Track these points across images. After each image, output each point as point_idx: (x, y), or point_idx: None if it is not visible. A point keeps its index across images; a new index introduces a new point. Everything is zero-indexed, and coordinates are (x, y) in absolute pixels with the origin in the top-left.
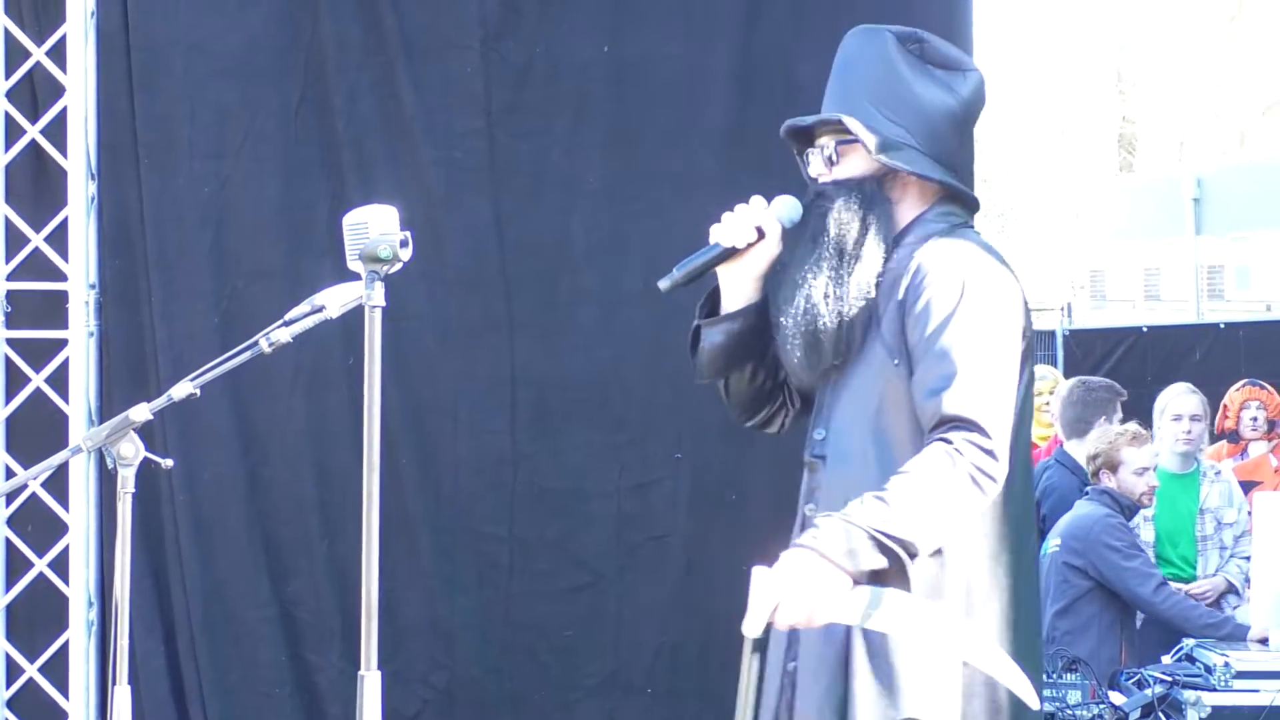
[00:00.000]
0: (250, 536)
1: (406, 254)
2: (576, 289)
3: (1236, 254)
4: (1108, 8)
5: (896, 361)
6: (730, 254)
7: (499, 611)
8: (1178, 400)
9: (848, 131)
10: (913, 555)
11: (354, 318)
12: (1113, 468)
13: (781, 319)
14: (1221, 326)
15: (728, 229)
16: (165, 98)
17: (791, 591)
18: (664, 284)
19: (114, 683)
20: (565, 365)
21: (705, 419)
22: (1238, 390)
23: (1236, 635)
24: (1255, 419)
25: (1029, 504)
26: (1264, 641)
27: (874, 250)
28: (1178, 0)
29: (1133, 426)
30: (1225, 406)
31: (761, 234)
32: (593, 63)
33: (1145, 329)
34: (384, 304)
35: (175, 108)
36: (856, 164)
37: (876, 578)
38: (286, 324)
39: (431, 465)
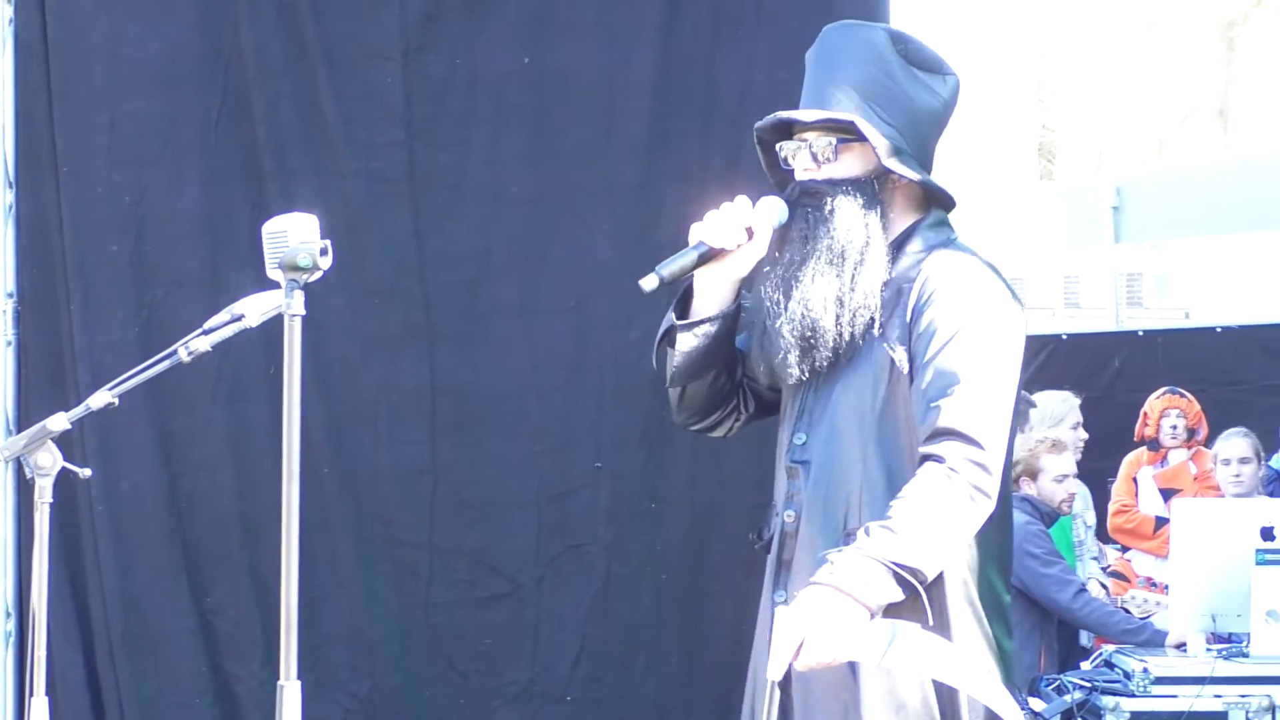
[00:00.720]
0: (170, 546)
1: (326, 262)
2: (496, 299)
3: (1156, 262)
4: (1027, 16)
5: (905, 370)
6: (715, 255)
7: (419, 620)
8: (1075, 412)
9: (846, 130)
10: (922, 583)
11: (275, 327)
12: (1033, 475)
13: (769, 321)
14: (1140, 334)
15: (715, 229)
16: (84, 106)
17: (816, 631)
18: (647, 284)
19: (32, 694)
20: (485, 375)
21: (624, 429)
22: (1158, 398)
23: (1155, 641)
24: (1175, 427)
25: (1009, 517)
26: (1182, 647)
27: (878, 255)
28: (1097, 9)
29: (1052, 434)
30: (1145, 414)
31: (751, 235)
32: (513, 73)
33: (1065, 336)
34: (304, 313)
35: (94, 116)
36: (852, 164)
37: (891, 610)
38: (205, 333)
39: (352, 475)
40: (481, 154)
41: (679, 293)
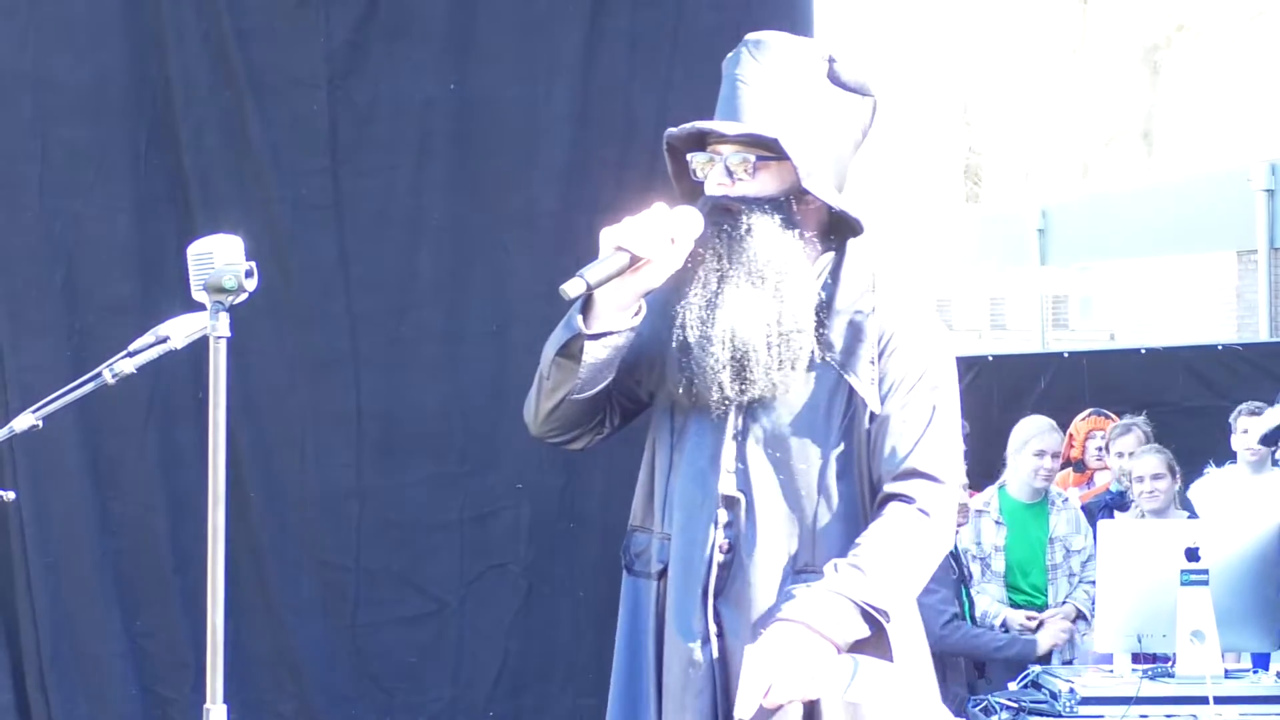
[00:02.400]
0: (101, 570)
1: (251, 284)
2: (420, 325)
3: (1080, 284)
4: (953, 39)
5: (870, 409)
6: (635, 263)
7: (345, 641)
8: (1043, 437)
9: (766, 148)
10: (888, 621)
11: (205, 352)
12: None
13: (698, 341)
14: (1065, 355)
15: (639, 237)
16: (14, 133)
17: (784, 668)
18: (573, 289)
19: None
20: (409, 399)
21: (544, 451)
22: (1083, 420)
23: (1026, 652)
24: (1100, 449)
25: None
26: (1106, 659)
27: (801, 277)
28: (1022, 32)
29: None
30: (1071, 436)
31: (673, 245)
32: (437, 101)
33: (991, 358)
34: (229, 334)
35: (25, 143)
36: (767, 183)
37: (855, 645)
38: (130, 355)
39: (279, 497)
40: (406, 180)
41: (578, 302)
